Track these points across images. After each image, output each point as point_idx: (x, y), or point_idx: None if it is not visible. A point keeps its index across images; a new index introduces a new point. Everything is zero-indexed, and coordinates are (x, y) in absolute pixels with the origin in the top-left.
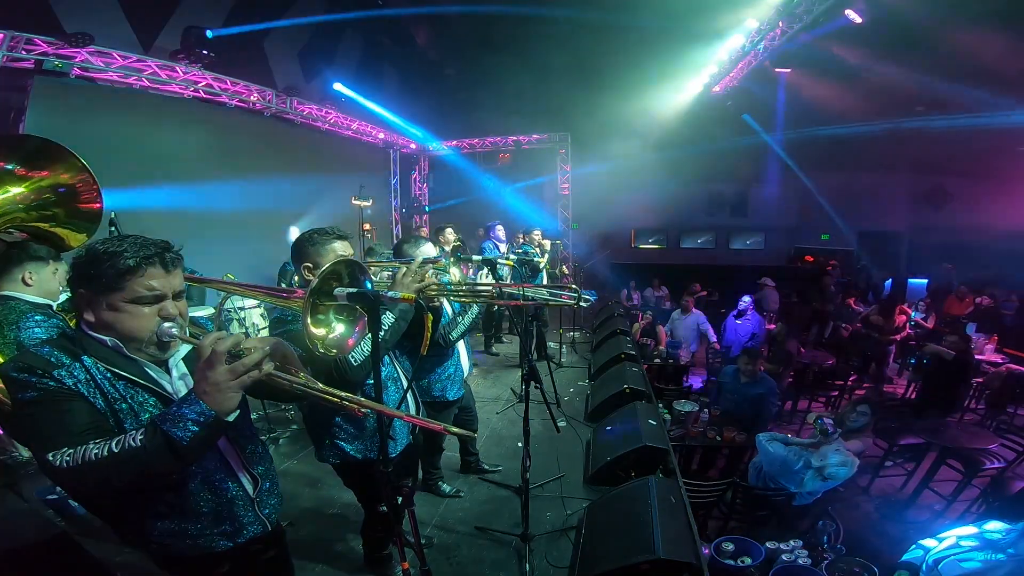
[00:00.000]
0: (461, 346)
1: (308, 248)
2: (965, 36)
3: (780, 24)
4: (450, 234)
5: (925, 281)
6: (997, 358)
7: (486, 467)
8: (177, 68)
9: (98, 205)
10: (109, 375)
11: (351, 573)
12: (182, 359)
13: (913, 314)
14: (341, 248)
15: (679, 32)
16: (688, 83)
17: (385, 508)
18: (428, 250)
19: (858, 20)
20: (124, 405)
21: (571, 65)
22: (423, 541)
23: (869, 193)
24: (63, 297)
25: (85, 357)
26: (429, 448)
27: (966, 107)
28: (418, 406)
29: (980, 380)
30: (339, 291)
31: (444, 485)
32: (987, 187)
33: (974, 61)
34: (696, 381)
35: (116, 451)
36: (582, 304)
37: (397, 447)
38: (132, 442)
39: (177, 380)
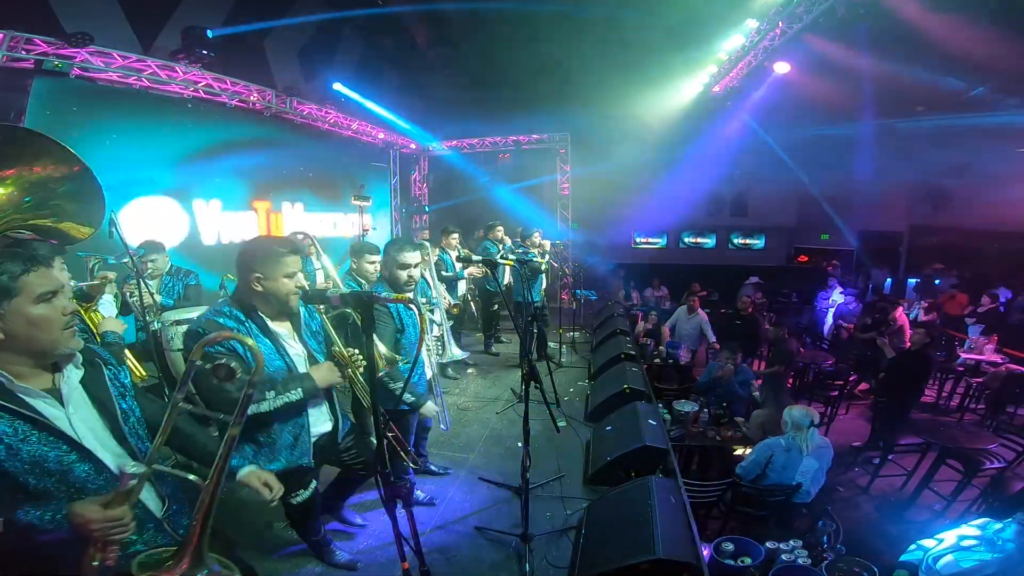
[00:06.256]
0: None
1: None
2: (965, 35)
3: (780, 24)
4: (454, 239)
5: (938, 281)
6: (997, 358)
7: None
8: (177, 68)
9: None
10: None
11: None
12: (80, 382)
13: (912, 313)
14: (292, 264)
15: (679, 32)
16: (688, 83)
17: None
18: (410, 258)
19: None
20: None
21: (571, 65)
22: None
23: (869, 193)
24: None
25: None
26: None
27: (966, 107)
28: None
29: (980, 380)
30: (332, 292)
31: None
32: (987, 187)
33: (974, 61)
34: None
35: None
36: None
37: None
38: None
39: (74, 417)
